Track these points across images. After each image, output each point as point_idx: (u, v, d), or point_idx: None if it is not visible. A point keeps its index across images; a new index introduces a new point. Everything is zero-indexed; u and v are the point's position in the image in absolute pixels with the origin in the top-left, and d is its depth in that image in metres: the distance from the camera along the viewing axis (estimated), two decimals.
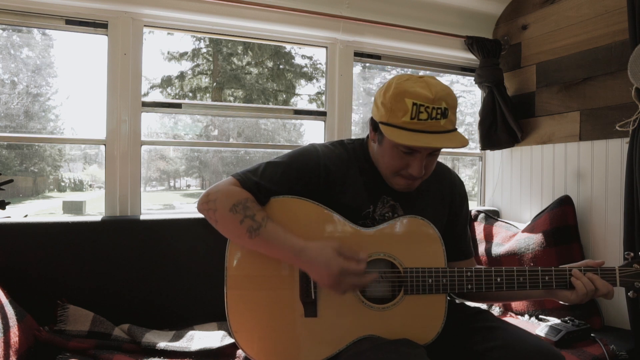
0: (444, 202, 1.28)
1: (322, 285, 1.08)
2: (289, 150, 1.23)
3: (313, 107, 8.53)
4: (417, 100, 1.03)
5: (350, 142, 1.28)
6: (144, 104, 1.80)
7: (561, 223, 1.86)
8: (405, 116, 1.05)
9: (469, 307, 1.29)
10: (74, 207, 7.73)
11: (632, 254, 1.16)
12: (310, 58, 8.74)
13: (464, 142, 1.06)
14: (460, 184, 1.34)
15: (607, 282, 1.12)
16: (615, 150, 1.83)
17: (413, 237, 1.16)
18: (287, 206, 1.15)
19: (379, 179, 1.21)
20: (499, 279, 1.13)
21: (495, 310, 1.92)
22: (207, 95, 8.69)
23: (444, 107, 1.04)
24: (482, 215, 2.22)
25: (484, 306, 1.89)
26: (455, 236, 1.30)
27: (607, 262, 1.80)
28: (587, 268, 1.14)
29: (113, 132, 1.74)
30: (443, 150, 1.16)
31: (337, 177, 1.18)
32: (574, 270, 1.13)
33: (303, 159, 1.18)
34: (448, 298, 1.17)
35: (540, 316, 1.77)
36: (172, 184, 9.74)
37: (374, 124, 1.15)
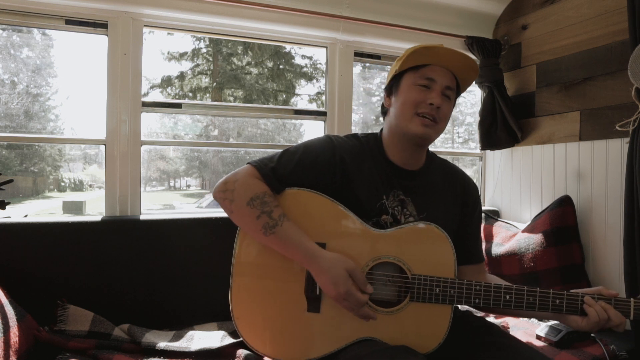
0: (455, 202, 1.27)
1: (326, 293, 1.08)
2: (305, 140, 1.22)
3: (313, 107, 8.52)
4: (422, 45, 1.17)
5: (364, 135, 1.28)
6: (144, 104, 1.80)
7: (561, 223, 1.86)
8: (414, 54, 1.16)
9: (475, 318, 1.26)
10: (74, 207, 7.73)
11: None
12: (310, 58, 8.75)
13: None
14: (474, 188, 1.32)
15: (620, 314, 1.07)
16: (615, 150, 1.83)
17: (426, 244, 1.14)
18: (301, 199, 1.15)
19: (392, 172, 1.22)
20: (507, 297, 1.10)
21: None
22: (207, 95, 8.69)
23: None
24: (482, 215, 2.22)
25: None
26: (465, 239, 1.28)
27: (607, 263, 1.83)
28: (600, 296, 1.09)
29: (113, 132, 1.74)
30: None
31: (352, 168, 1.18)
32: (587, 297, 1.08)
33: (320, 150, 1.18)
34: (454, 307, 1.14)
35: None
36: (172, 184, 9.76)
37: (388, 88, 1.25)
